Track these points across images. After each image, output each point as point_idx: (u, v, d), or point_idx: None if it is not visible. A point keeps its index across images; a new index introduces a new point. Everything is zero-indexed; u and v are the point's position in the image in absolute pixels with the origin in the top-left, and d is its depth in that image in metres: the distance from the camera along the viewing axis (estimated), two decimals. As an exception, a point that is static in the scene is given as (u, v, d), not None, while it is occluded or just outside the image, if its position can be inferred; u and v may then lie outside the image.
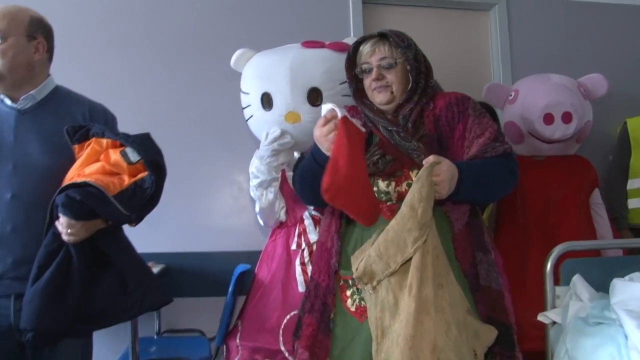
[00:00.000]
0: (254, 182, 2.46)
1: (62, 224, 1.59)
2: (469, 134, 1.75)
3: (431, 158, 1.59)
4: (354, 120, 1.68)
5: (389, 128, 1.77)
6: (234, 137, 3.07)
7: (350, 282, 1.73)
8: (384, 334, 1.60)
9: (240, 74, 2.63)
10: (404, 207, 1.57)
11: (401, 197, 1.66)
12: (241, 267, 2.70)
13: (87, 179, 1.60)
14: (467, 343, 1.58)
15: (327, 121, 1.67)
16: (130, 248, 1.78)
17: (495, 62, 3.56)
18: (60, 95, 1.82)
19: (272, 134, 2.47)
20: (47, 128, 1.73)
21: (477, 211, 1.81)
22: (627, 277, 1.93)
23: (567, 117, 2.61)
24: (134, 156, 1.64)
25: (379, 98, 1.81)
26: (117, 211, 1.60)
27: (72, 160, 1.71)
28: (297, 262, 2.39)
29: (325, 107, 1.68)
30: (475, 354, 1.60)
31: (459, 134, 1.76)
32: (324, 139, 1.68)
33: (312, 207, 2.40)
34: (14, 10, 1.72)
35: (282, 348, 2.31)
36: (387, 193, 1.74)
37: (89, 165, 1.67)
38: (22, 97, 1.73)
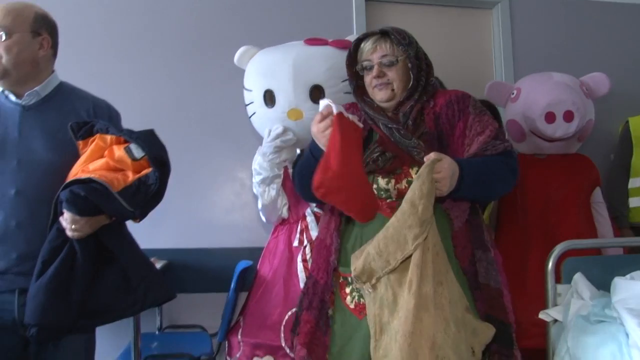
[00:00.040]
0: (256, 179, 2.47)
1: (67, 219, 1.60)
2: (470, 132, 1.74)
3: (432, 155, 1.59)
4: (350, 117, 1.67)
5: (389, 125, 1.77)
6: (236, 133, 3.07)
7: (349, 279, 1.73)
8: (382, 330, 1.60)
9: (243, 71, 2.64)
10: (405, 204, 1.57)
11: (401, 194, 1.66)
12: (243, 264, 2.70)
13: (92, 175, 1.60)
14: (465, 340, 1.58)
15: (323, 117, 1.67)
16: (133, 244, 1.79)
17: (498, 60, 3.56)
18: (64, 91, 1.82)
19: (275, 130, 2.48)
20: (52, 124, 1.74)
21: (477, 209, 1.81)
22: (628, 276, 1.93)
23: (568, 116, 2.61)
24: (138, 152, 1.65)
25: (379, 95, 1.80)
26: (121, 207, 1.60)
27: (76, 156, 1.71)
28: (299, 258, 2.40)
29: (323, 103, 1.68)
30: (473, 352, 1.60)
31: (460, 131, 1.76)
32: (321, 134, 1.68)
33: (314, 204, 2.41)
34: (19, 6, 1.73)
35: (284, 344, 2.32)
36: (387, 190, 1.74)
37: (93, 162, 1.67)
38: (26, 93, 1.73)
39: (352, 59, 1.86)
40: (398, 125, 1.76)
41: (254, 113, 2.58)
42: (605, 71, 2.84)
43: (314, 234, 2.36)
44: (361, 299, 1.70)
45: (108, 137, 1.70)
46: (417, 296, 1.53)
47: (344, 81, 2.35)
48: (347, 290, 1.75)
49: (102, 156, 1.69)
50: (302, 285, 2.28)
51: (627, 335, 1.70)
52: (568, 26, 3.61)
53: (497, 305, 1.70)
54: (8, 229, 1.66)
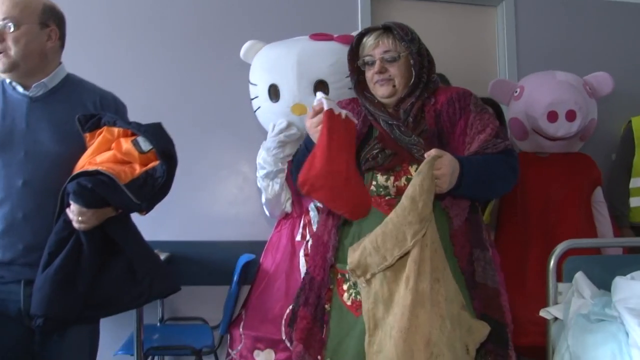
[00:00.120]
0: (260, 173, 2.49)
1: (73, 211, 1.60)
2: (470, 130, 1.74)
3: (433, 152, 1.59)
4: (343, 112, 1.66)
5: (390, 122, 1.76)
6: (240, 127, 3.07)
7: (347, 275, 1.73)
8: (376, 325, 1.60)
9: (248, 66, 2.64)
10: (405, 200, 1.57)
11: (400, 192, 1.66)
12: (245, 257, 2.71)
13: (99, 167, 1.61)
14: (460, 338, 1.58)
15: (315, 113, 1.67)
16: (138, 236, 1.79)
17: (502, 58, 3.56)
18: (71, 83, 1.82)
19: (279, 125, 2.49)
20: (59, 116, 1.74)
21: (476, 208, 1.80)
22: (628, 276, 1.93)
23: (570, 115, 2.61)
24: (145, 145, 1.64)
25: (380, 91, 1.79)
26: (128, 200, 1.61)
27: (83, 148, 1.71)
28: (302, 253, 2.42)
29: (317, 97, 1.68)
30: (467, 350, 1.60)
31: (460, 129, 1.75)
32: (313, 130, 1.69)
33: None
34: None
35: (284, 338, 2.34)
36: (386, 187, 1.73)
37: (100, 154, 1.67)
38: (34, 85, 1.73)
39: (354, 54, 1.85)
40: (398, 122, 1.75)
41: (258, 107, 2.59)
42: (609, 71, 2.84)
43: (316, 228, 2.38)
44: (358, 296, 1.69)
45: (115, 130, 1.69)
46: (414, 292, 1.53)
47: (348, 76, 2.35)
48: (345, 287, 1.74)
49: (109, 149, 1.69)
50: (304, 279, 2.30)
51: (627, 334, 1.71)
52: (572, 25, 3.60)
53: (494, 305, 1.70)
54: (15, 220, 1.66)
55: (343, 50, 2.43)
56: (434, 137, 1.74)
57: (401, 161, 1.73)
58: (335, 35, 2.57)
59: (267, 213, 2.60)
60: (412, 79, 1.77)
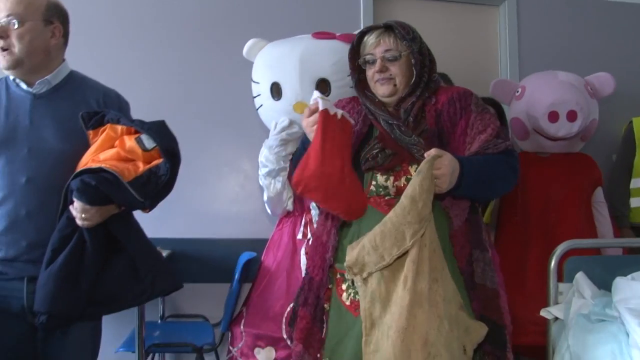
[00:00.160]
0: (262, 171, 2.49)
1: (77, 208, 1.60)
2: (471, 130, 1.73)
3: (433, 151, 1.58)
4: (339, 112, 1.65)
5: (390, 122, 1.75)
6: (242, 125, 3.08)
7: (346, 275, 1.72)
8: (373, 325, 1.59)
9: (251, 64, 2.64)
10: (405, 200, 1.57)
11: (399, 192, 1.66)
12: (247, 255, 2.72)
13: (103, 165, 1.61)
14: (457, 338, 1.58)
15: (311, 112, 1.66)
16: (141, 233, 1.79)
17: (503, 58, 3.56)
18: (74, 80, 1.82)
19: (281, 123, 2.49)
20: (62, 113, 1.74)
21: (476, 208, 1.80)
22: (629, 276, 1.93)
23: (571, 116, 2.62)
24: (149, 143, 1.64)
25: (381, 90, 1.78)
26: (131, 197, 1.61)
27: (87, 145, 1.71)
28: (303, 251, 2.42)
29: (314, 96, 1.67)
30: (464, 350, 1.60)
31: (461, 130, 1.74)
32: (309, 129, 1.68)
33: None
34: None
35: (285, 336, 2.35)
36: (385, 187, 1.72)
37: (104, 151, 1.67)
38: (37, 82, 1.73)
39: (355, 52, 1.83)
40: (399, 121, 1.74)
41: (261, 105, 2.59)
42: (611, 71, 2.85)
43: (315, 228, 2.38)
44: (357, 296, 1.68)
45: (119, 127, 1.69)
46: (412, 292, 1.53)
47: (349, 75, 2.36)
48: (344, 286, 1.74)
49: (112, 146, 1.69)
50: (304, 277, 2.31)
51: (627, 334, 1.71)
52: (574, 25, 3.61)
53: (492, 306, 1.70)
54: (18, 217, 1.66)
55: (345, 49, 2.41)
56: (435, 137, 1.73)
57: (401, 161, 1.72)
58: (337, 34, 2.57)
59: (268, 211, 2.60)
60: (413, 79, 1.76)
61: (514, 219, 2.68)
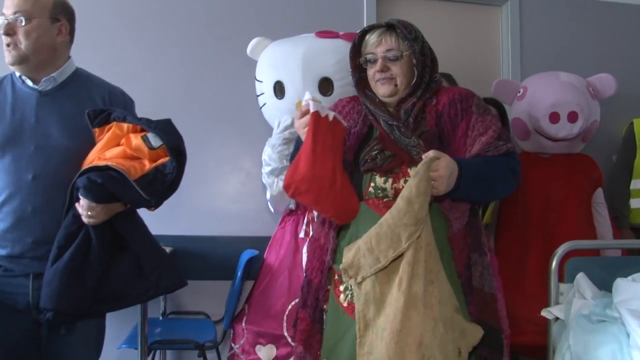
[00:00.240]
0: (265, 170, 2.50)
1: (83, 206, 1.61)
2: (472, 132, 1.70)
3: (431, 153, 1.56)
4: (331, 114, 1.63)
5: (390, 122, 1.72)
6: (244, 123, 3.08)
7: (342, 277, 1.71)
8: (367, 326, 1.58)
9: (254, 62, 2.65)
10: (401, 202, 1.55)
11: (398, 194, 1.62)
12: (249, 253, 2.73)
13: (109, 163, 1.61)
14: (452, 341, 1.57)
15: (303, 114, 1.64)
16: (146, 231, 1.80)
17: (505, 58, 3.56)
18: (80, 78, 1.83)
19: (284, 122, 2.50)
20: (68, 110, 1.74)
21: (476, 211, 1.78)
22: (629, 278, 1.94)
23: (572, 117, 2.62)
24: (155, 141, 1.65)
25: (382, 90, 1.75)
26: (137, 195, 1.61)
27: (92, 143, 1.72)
28: (305, 249, 2.43)
29: (305, 98, 1.65)
30: (459, 352, 1.59)
31: (462, 131, 1.71)
32: (301, 131, 1.66)
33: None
34: None
35: (285, 334, 2.36)
36: (384, 189, 1.70)
37: (110, 149, 1.68)
38: (43, 79, 1.74)
39: (356, 51, 1.80)
40: (399, 122, 1.71)
41: (264, 104, 2.60)
42: (612, 72, 2.85)
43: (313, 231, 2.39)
44: (354, 298, 1.66)
45: (125, 126, 1.70)
46: (407, 294, 1.51)
47: (352, 74, 2.37)
48: (341, 288, 1.72)
49: (118, 144, 1.70)
50: (305, 276, 2.31)
51: (627, 335, 1.72)
52: (577, 26, 3.61)
53: (490, 310, 1.68)
54: (24, 214, 1.67)
55: (348, 48, 2.43)
56: (435, 138, 1.70)
57: (400, 163, 1.69)
58: (340, 33, 2.58)
59: (271, 209, 2.61)
60: (414, 79, 1.73)
61: (514, 219, 2.69)
